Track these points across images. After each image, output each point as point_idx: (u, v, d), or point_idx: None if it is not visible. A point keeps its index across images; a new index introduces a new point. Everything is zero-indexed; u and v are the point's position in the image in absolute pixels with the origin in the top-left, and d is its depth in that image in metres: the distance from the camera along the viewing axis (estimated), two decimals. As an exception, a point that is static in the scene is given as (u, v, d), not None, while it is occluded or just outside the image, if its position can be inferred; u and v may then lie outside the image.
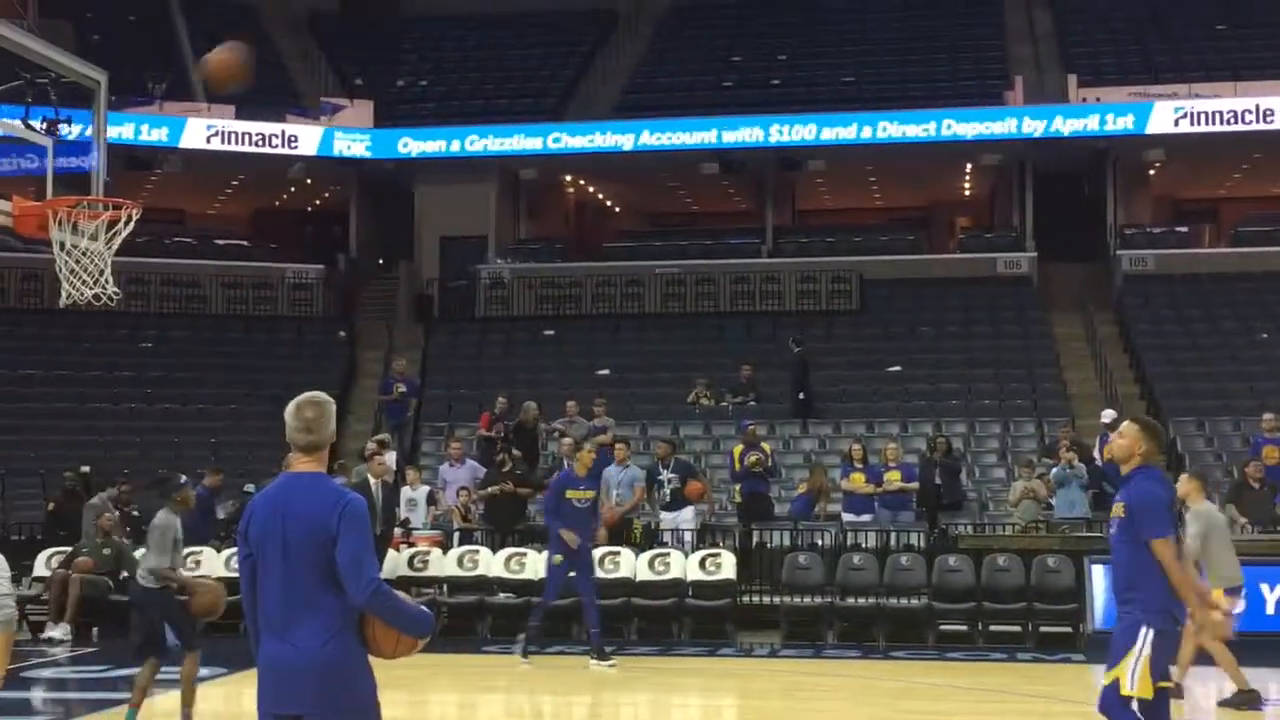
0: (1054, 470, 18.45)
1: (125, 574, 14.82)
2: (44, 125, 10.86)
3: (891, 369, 25.74)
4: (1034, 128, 28.87)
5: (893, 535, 17.86)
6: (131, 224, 10.64)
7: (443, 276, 31.12)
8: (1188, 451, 22.10)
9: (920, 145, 29.34)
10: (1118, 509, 7.19)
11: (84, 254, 10.51)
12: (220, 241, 31.82)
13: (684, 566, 16.73)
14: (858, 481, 18.81)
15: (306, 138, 30.29)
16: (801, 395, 23.78)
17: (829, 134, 29.38)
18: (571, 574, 14.24)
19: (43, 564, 17.52)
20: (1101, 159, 30.09)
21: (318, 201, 34.73)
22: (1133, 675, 6.86)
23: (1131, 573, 7.03)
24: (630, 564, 16.79)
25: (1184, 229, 30.99)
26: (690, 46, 35.23)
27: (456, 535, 18.21)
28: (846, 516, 18.74)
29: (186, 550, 13.27)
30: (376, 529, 16.15)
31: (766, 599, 17.03)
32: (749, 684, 13.80)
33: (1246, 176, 31.88)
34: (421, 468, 21.00)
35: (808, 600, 16.53)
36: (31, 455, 23.41)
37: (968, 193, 34.13)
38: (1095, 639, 14.93)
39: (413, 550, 17.31)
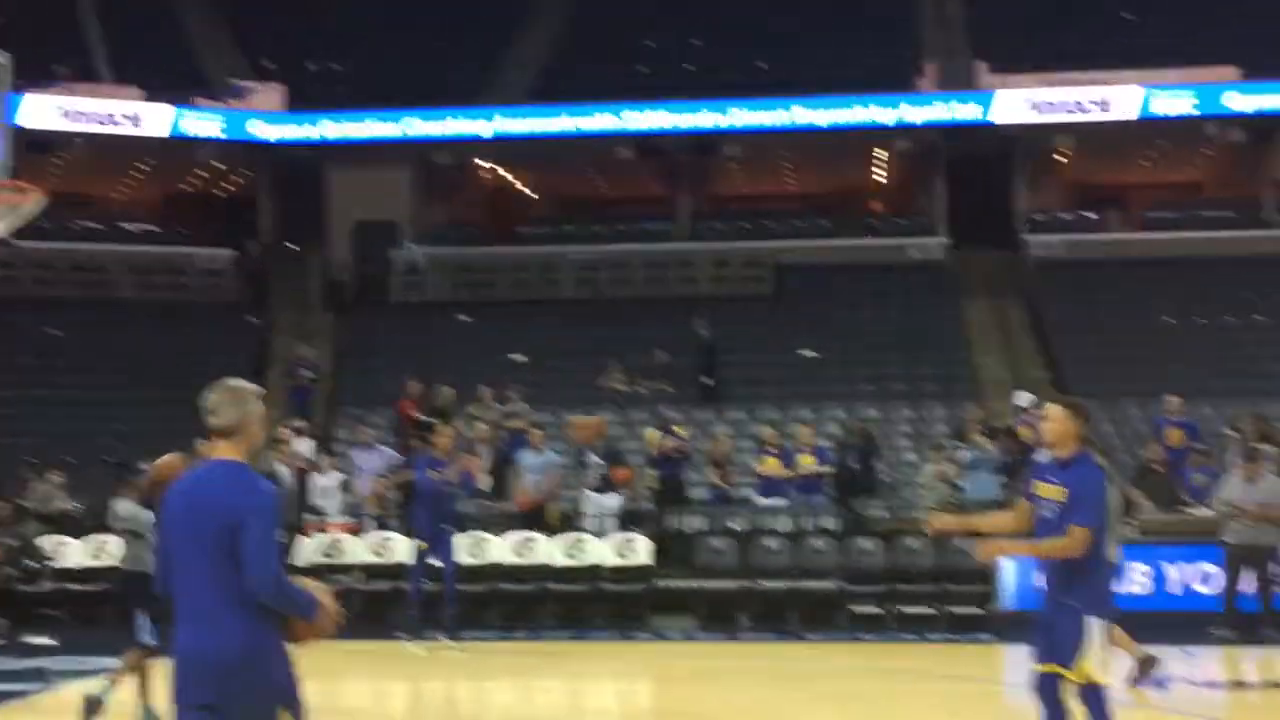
0: (965, 454, 18.64)
1: (29, 563, 14.56)
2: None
3: (805, 353, 25.88)
4: (885, 117, 29.29)
5: (806, 519, 17.98)
6: (37, 209, 10.47)
7: (356, 262, 30.87)
8: (1094, 434, 22.38)
9: (832, 131, 29.47)
10: (1056, 492, 7.21)
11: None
12: (128, 226, 31.32)
13: (600, 552, 16.76)
14: (771, 465, 18.90)
15: (154, 118, 29.62)
16: (708, 380, 23.84)
17: (742, 119, 29.47)
18: (434, 560, 14.35)
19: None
20: (1011, 146, 30.41)
21: (228, 186, 34.30)
22: (1097, 665, 7.09)
23: (1069, 561, 7.13)
24: (546, 550, 16.78)
25: (1093, 215, 31.44)
26: (605, 32, 35.12)
27: (370, 522, 18.10)
28: (760, 500, 18.84)
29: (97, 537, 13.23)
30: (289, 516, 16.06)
31: (681, 583, 17.08)
32: (664, 669, 13.85)
33: (1154, 164, 32.37)
34: (336, 454, 20.86)
35: (722, 584, 16.60)
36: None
37: (881, 179, 34.36)
38: (1005, 619, 15.17)
39: (326, 537, 17.17)
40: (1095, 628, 7.10)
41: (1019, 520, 7.48)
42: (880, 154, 31.99)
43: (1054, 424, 7.35)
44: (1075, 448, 7.31)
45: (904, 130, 29.62)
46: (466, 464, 18.56)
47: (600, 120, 29.74)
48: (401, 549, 16.92)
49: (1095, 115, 28.91)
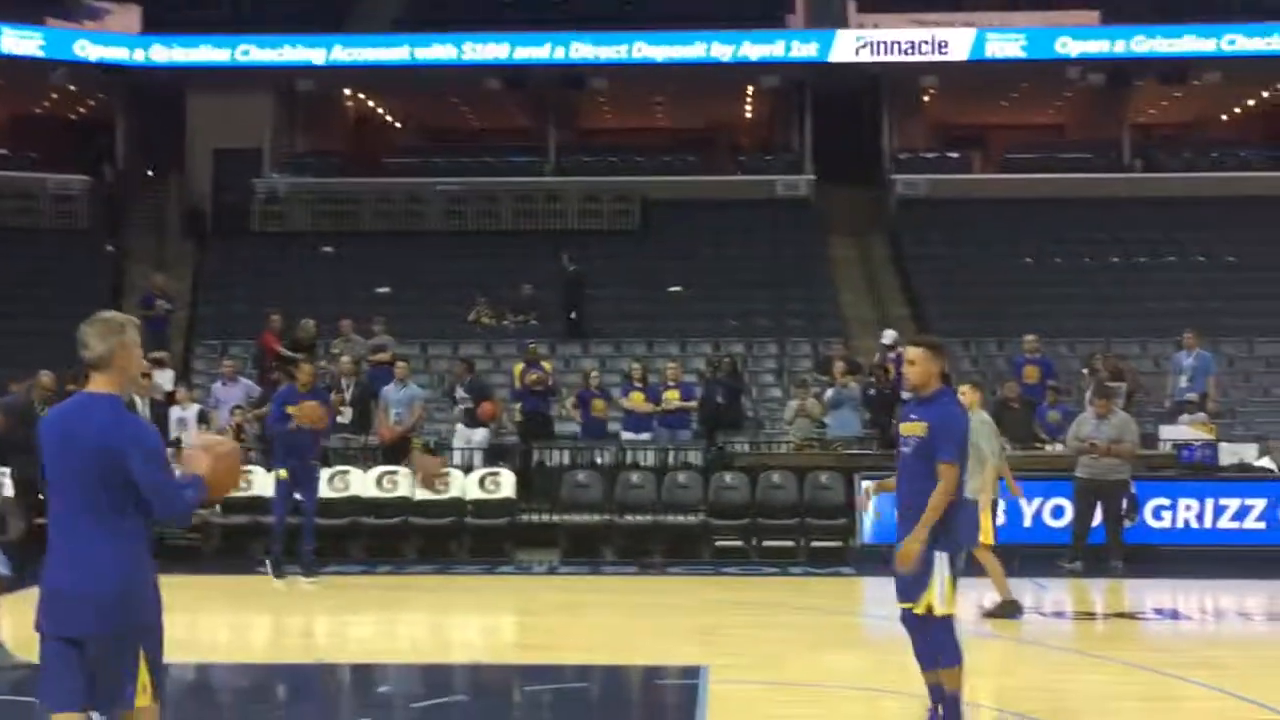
0: (829, 391, 18.83)
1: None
2: None
3: (672, 289, 25.93)
4: (722, 52, 29.37)
5: (671, 454, 18.06)
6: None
7: (216, 190, 30.20)
8: (954, 371, 22.78)
9: (698, 66, 29.41)
10: (917, 428, 7.34)
11: None
12: (-24, 149, 30.32)
13: (463, 485, 16.68)
14: (637, 400, 18.93)
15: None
16: (573, 315, 23.79)
17: (609, 52, 29.27)
18: (297, 495, 14.21)
19: None
20: (876, 85, 30.61)
21: (81, 109, 33.30)
22: (942, 597, 7.25)
23: (921, 497, 7.23)
24: (408, 484, 16.66)
25: (956, 155, 31.83)
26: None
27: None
28: (626, 435, 18.87)
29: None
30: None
31: (546, 517, 17.08)
32: (527, 601, 13.85)
33: (1014, 105, 32.83)
34: (194, 386, 20.46)
35: (586, 518, 16.63)
36: None
37: (749, 115, 34.42)
38: (864, 552, 15.40)
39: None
40: (941, 561, 7.24)
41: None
42: (748, 91, 32.00)
43: (915, 365, 7.43)
44: (936, 385, 7.40)
45: (762, 67, 29.65)
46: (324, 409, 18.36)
47: (467, 50, 29.34)
48: (261, 481, 16.66)
49: (931, 57, 29.23)
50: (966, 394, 12.62)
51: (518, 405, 19.43)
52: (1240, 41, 28.75)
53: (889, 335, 20.62)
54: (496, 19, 31.08)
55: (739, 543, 16.55)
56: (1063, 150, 31.71)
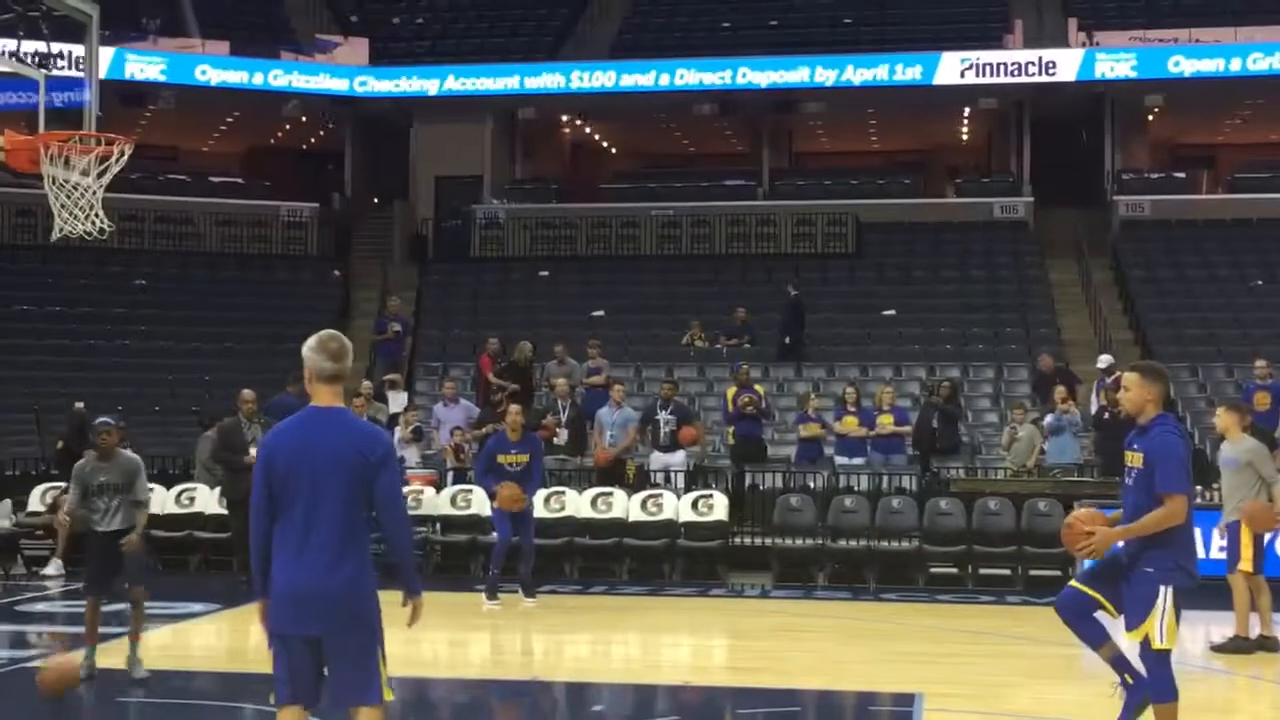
0: (1048, 417, 18.48)
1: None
2: (36, 59, 10.78)
3: (886, 313, 25.73)
4: (825, 77, 29.11)
5: (885, 478, 17.91)
6: (124, 160, 10.60)
7: (438, 216, 31.02)
8: (1180, 397, 22.15)
9: (916, 88, 29.16)
10: (1135, 458, 7.18)
11: (75, 189, 10.47)
12: (214, 179, 31.69)
13: (676, 508, 16.78)
14: (850, 425, 18.82)
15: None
16: (789, 340, 23.75)
17: (825, 76, 29.20)
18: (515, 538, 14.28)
19: (37, 499, 17.54)
20: (1100, 104, 29.95)
21: (312, 139, 34.57)
22: (1161, 630, 7.05)
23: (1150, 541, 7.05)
24: (623, 504, 16.84)
25: (1181, 175, 30.93)
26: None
27: (450, 474, 18.24)
28: (839, 459, 18.78)
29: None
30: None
31: (758, 541, 17.08)
32: (740, 624, 13.87)
33: (1245, 123, 31.76)
34: (416, 407, 21.02)
35: (799, 542, 16.58)
36: (24, 391, 23.39)
37: (965, 137, 34.00)
38: (1084, 579, 15.01)
39: (405, 489, 17.32)
40: (1165, 594, 7.05)
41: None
42: (964, 112, 31.60)
43: (1131, 393, 7.25)
44: (1154, 412, 7.21)
45: (975, 88, 29.18)
46: (548, 427, 18.62)
47: (682, 76, 29.58)
48: (480, 501, 17.02)
49: (1036, 78, 28.62)
50: (1221, 418, 12.21)
51: (730, 428, 19.49)
52: None
53: (1104, 360, 20.14)
54: (711, 44, 31.32)
55: (954, 569, 16.33)
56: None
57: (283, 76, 30.08)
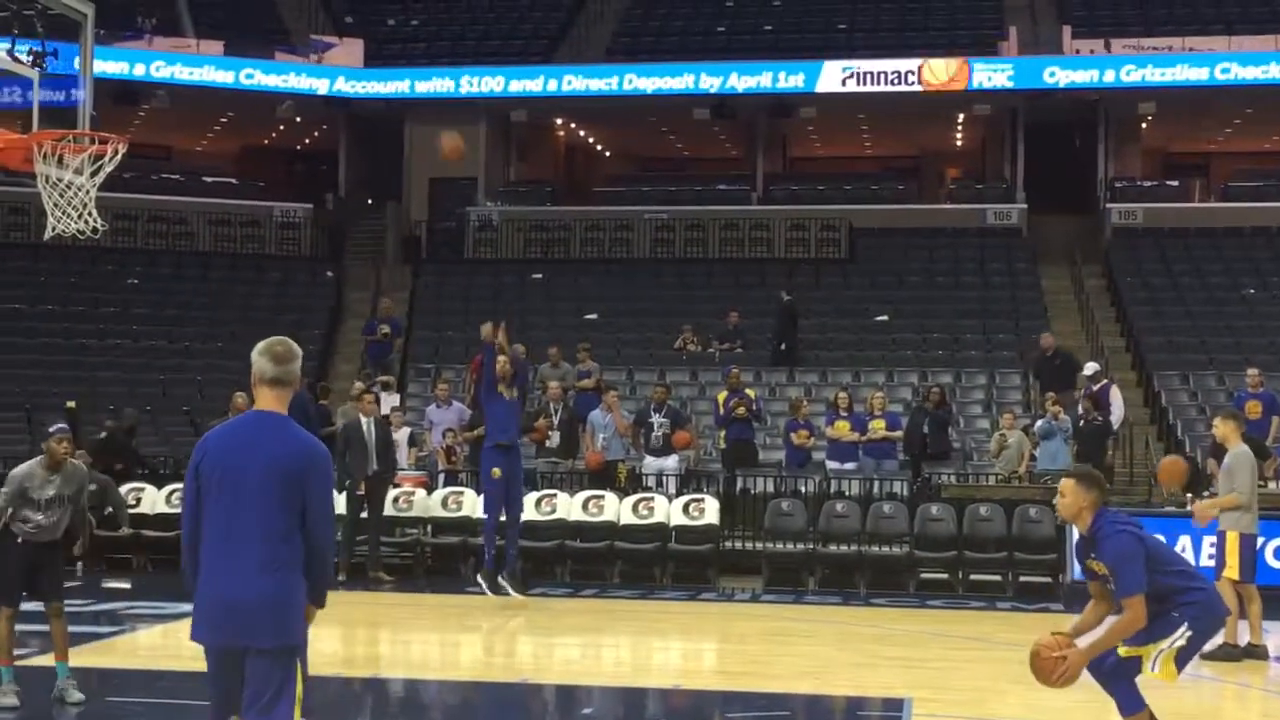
0: (1039, 423, 18.52)
1: (109, 510, 14.76)
2: (30, 57, 10.77)
3: (879, 318, 25.75)
4: (740, 84, 29.22)
5: (876, 484, 17.93)
6: (118, 159, 10.59)
7: (431, 218, 31.00)
8: (1172, 405, 22.19)
9: (910, 94, 29.20)
10: (1101, 568, 7.08)
11: (69, 187, 10.46)
12: (208, 178, 31.67)
13: (667, 511, 16.79)
14: (842, 429, 18.85)
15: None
16: (783, 345, 23.76)
17: (821, 81, 29.19)
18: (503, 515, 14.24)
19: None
20: (1093, 111, 30.01)
21: (306, 140, 34.55)
22: (1155, 660, 7.00)
23: (1162, 603, 7.01)
24: (614, 508, 16.85)
25: (1174, 183, 31.00)
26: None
27: (441, 476, 18.24)
28: (830, 464, 18.79)
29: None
30: (369, 469, 16.18)
31: (749, 545, 17.09)
32: (730, 628, 13.89)
33: (1238, 131, 31.83)
34: (408, 409, 21.02)
35: (790, 547, 16.60)
36: (16, 390, 23.37)
37: (959, 143, 34.04)
38: (1074, 589, 15.04)
39: (397, 490, 17.33)
40: (1180, 631, 7.01)
41: (1099, 606, 7.35)
42: (958, 118, 31.65)
43: (1066, 500, 7.11)
44: (1089, 518, 7.07)
45: (967, 95, 29.21)
46: (539, 430, 18.66)
47: (676, 80, 29.59)
48: (471, 503, 17.03)
49: (914, 87, 28.70)
50: (1219, 427, 12.24)
51: (722, 432, 19.50)
52: None
53: (1090, 367, 20.17)
54: (706, 48, 31.34)
55: (944, 575, 16.35)
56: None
57: (277, 77, 30.06)
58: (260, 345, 5.49)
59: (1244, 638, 11.64)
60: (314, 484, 5.28)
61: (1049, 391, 19.48)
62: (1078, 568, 15.04)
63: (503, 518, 14.29)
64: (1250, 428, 17.81)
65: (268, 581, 5.22)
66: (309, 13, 33.86)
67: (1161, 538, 7.84)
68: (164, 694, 9.56)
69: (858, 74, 28.75)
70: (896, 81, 28.62)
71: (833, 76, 28.96)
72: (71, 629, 9.47)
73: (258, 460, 5.25)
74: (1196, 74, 28.14)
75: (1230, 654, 11.45)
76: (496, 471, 14.07)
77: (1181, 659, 7.06)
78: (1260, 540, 15.20)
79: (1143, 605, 6.89)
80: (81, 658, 9.91)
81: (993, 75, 28.55)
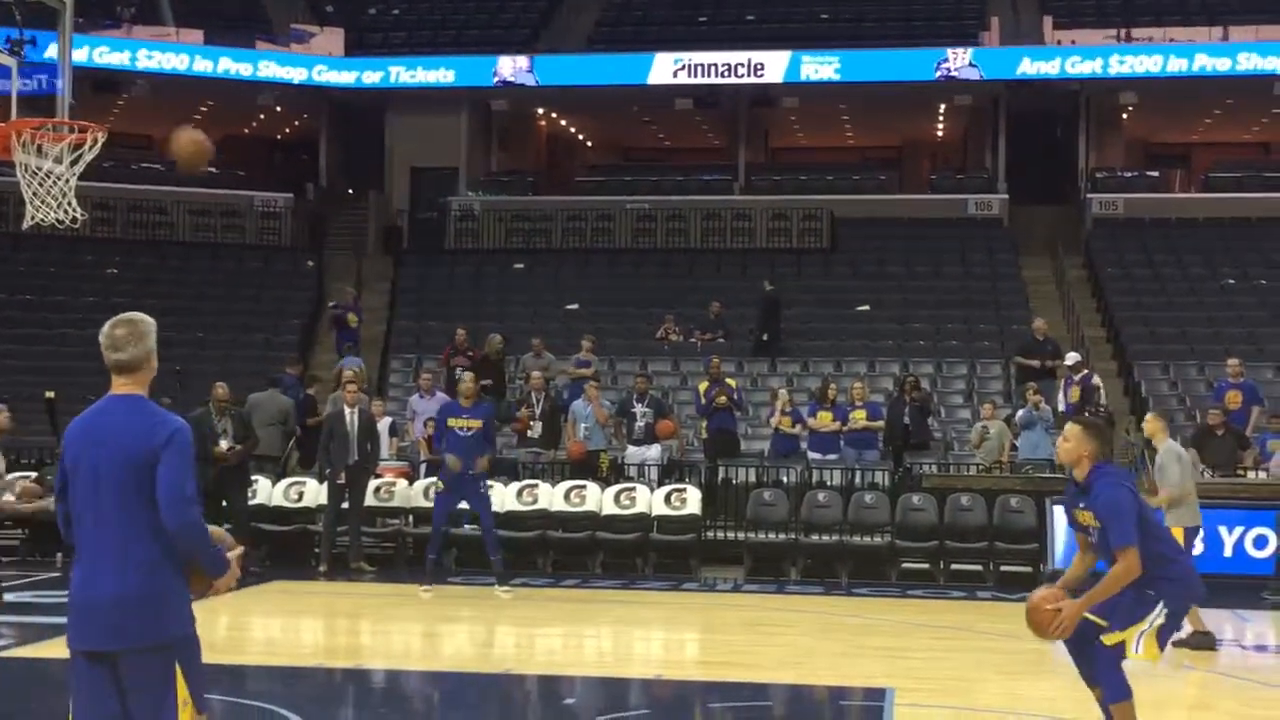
0: (1020, 412, 18.55)
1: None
2: (8, 45, 10.71)
3: (860, 308, 25.78)
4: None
5: (858, 474, 17.95)
6: (97, 148, 10.53)
7: (413, 208, 30.95)
8: (1152, 395, 22.25)
9: (892, 84, 29.23)
10: (1086, 517, 7.10)
11: (48, 176, 10.40)
12: (188, 168, 31.50)
13: (649, 501, 16.78)
14: (824, 420, 18.86)
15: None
16: (765, 336, 23.77)
17: (803, 71, 29.21)
18: (463, 505, 14.32)
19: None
20: (1074, 102, 30.07)
21: (287, 129, 34.43)
22: (1138, 641, 7.00)
23: (1144, 573, 6.99)
24: (596, 498, 16.83)
25: (1155, 173, 31.09)
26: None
27: (423, 467, 18.20)
28: (812, 455, 18.79)
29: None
30: (350, 458, 16.11)
31: (731, 535, 17.11)
32: (712, 618, 13.89)
33: (1218, 122, 31.92)
34: (390, 399, 20.97)
35: (772, 537, 16.61)
36: (-7, 378, 23.28)
37: (941, 133, 34.08)
38: (1055, 578, 15.07)
39: (379, 481, 17.29)
40: (1158, 610, 7.01)
41: (1085, 556, 7.38)
42: (939, 108, 31.69)
43: (1069, 444, 7.11)
44: (1089, 466, 7.09)
45: (939, 85, 29.27)
46: (521, 420, 18.65)
47: (659, 70, 29.56)
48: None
49: (748, 80, 29.19)
50: (1148, 424, 12.43)
51: (703, 422, 19.50)
52: None
53: (1072, 357, 20.22)
54: (689, 37, 31.32)
55: (926, 565, 16.38)
56: (1267, 169, 30.69)
57: (257, 66, 29.95)
58: (105, 326, 5.08)
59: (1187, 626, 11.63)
60: (163, 463, 4.88)
61: (1030, 381, 19.53)
62: (1058, 556, 15.18)
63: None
64: (1231, 418, 17.96)
65: (131, 579, 4.86)
66: (290, 1, 33.76)
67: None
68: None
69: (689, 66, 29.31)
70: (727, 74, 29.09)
71: (664, 69, 29.29)
72: (46, 619, 9.41)
73: (107, 451, 4.93)
74: (1177, 64, 28.23)
75: (1203, 642, 11.50)
76: (440, 485, 14.41)
77: (1162, 637, 7.07)
78: (1240, 530, 15.39)
79: (1136, 557, 6.90)
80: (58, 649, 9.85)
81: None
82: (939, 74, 28.68)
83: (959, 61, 28.52)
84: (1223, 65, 28.14)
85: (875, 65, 29.09)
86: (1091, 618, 7.15)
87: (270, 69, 30.05)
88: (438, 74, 30.19)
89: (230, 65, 29.82)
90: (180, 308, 26.49)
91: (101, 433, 4.97)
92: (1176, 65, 28.24)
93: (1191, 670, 10.88)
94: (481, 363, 20.79)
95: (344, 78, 30.43)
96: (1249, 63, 28.03)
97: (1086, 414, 18.18)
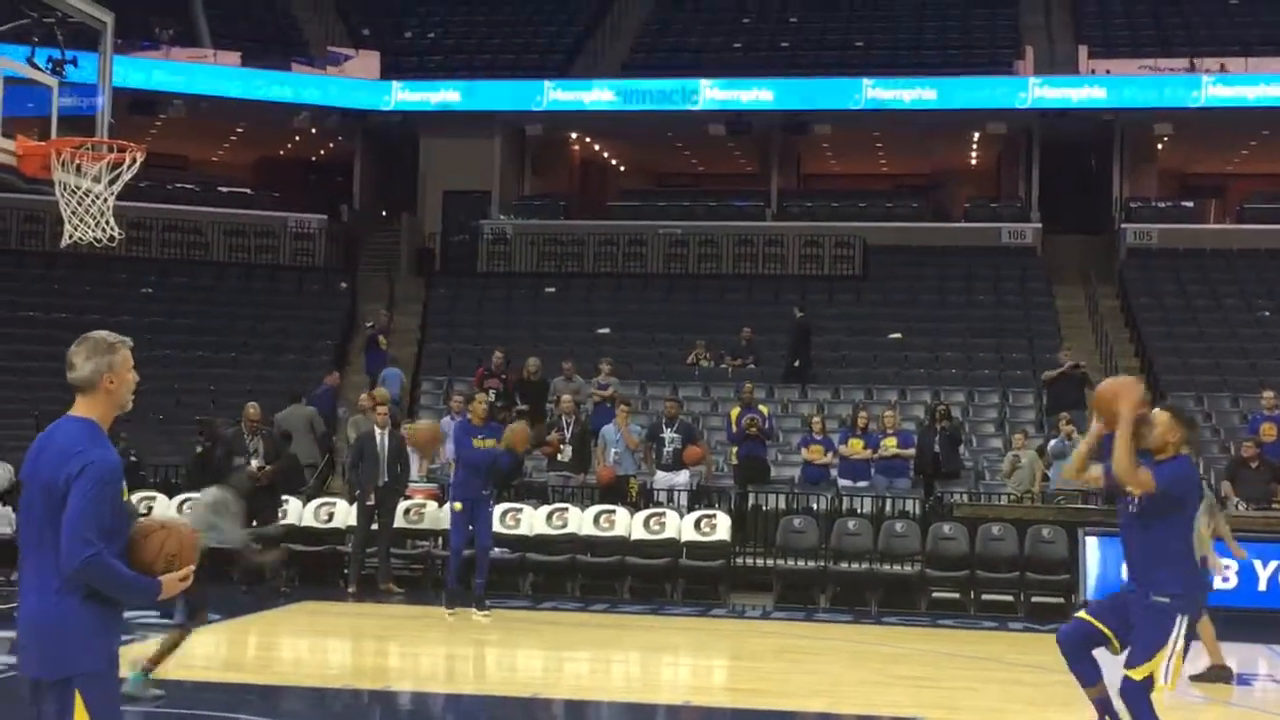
0: (1052, 442, 18.46)
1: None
2: (49, 65, 10.81)
3: (892, 336, 25.71)
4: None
5: (888, 502, 17.88)
6: (135, 167, 10.62)
7: (445, 230, 31.05)
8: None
9: (925, 112, 29.22)
10: (1145, 478, 6.97)
11: (86, 195, 10.48)
12: (223, 189, 31.73)
13: (679, 527, 16.75)
14: (855, 447, 18.80)
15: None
16: (797, 363, 23.72)
17: (836, 98, 29.21)
18: (470, 526, 14.31)
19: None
20: (1108, 131, 29.97)
21: (321, 151, 34.62)
22: (1168, 670, 6.91)
23: (1148, 554, 6.99)
24: (626, 523, 16.80)
25: (1189, 204, 30.94)
26: (700, 6, 35.07)
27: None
28: (843, 482, 18.74)
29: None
30: (380, 480, 16.13)
31: (760, 561, 17.05)
32: (741, 645, 13.84)
33: (1254, 153, 31.78)
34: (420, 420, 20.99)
35: (801, 564, 16.55)
36: (26, 398, 23.37)
37: (974, 162, 34.02)
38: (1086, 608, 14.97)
39: (408, 502, 17.31)
40: (1180, 626, 6.92)
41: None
42: (973, 137, 31.65)
43: (1158, 430, 7.04)
44: (1171, 454, 7.06)
45: (985, 113, 29.24)
46: (552, 444, 18.66)
47: (692, 95, 29.61)
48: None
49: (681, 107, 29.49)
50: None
51: (734, 449, 19.46)
52: None
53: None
54: (722, 63, 31.38)
55: (956, 595, 16.29)
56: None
57: (293, 88, 30.14)
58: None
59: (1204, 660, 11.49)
60: (71, 494, 4.60)
61: (1062, 411, 19.42)
62: (1090, 588, 15.07)
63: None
64: (1265, 450, 17.81)
65: (39, 607, 4.67)
66: (326, 25, 33.96)
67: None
68: (176, 704, 9.54)
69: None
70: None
71: (850, 95, 29.04)
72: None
73: (37, 474, 4.75)
74: (1213, 94, 28.13)
75: (1221, 675, 11.36)
76: (458, 506, 14.26)
77: (1184, 659, 7.01)
78: (1275, 564, 15.25)
79: (1152, 486, 6.86)
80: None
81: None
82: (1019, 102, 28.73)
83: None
84: (1259, 95, 28.01)
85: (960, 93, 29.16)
86: (1100, 626, 7.10)
87: (306, 91, 30.22)
88: (472, 97, 30.31)
89: (266, 87, 30.00)
90: (213, 327, 26.65)
91: (39, 454, 4.79)
92: (1213, 94, 28.13)
93: (1209, 704, 10.77)
94: (521, 385, 20.83)
95: (378, 100, 30.58)
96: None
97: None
